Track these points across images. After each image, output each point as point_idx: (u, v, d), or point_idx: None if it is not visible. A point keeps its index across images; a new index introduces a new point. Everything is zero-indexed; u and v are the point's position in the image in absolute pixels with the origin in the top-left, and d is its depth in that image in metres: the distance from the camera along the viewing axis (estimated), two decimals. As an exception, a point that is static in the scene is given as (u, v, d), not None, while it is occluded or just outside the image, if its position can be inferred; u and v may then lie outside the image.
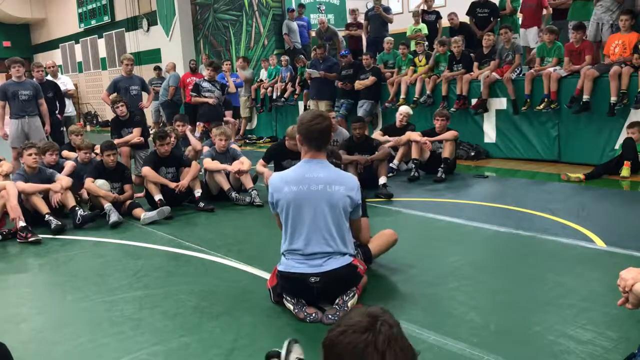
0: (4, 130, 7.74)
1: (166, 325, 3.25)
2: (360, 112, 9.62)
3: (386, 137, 7.67)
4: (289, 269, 3.28)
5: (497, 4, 9.69)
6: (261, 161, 6.39)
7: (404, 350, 1.35)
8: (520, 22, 9.48)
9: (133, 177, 6.78)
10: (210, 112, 8.90)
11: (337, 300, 3.28)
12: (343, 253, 3.31)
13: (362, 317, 1.38)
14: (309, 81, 10.77)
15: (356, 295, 3.34)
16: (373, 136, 7.74)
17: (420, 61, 9.66)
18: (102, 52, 20.18)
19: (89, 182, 5.98)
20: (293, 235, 3.29)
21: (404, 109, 7.95)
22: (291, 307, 3.29)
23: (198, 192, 6.26)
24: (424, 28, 10.58)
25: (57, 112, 8.53)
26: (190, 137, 7.72)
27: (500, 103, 8.44)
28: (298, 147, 3.49)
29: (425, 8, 10.93)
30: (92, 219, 5.75)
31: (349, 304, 3.26)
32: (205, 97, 8.89)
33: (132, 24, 18.29)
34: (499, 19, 9.56)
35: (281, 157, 6.30)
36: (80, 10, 20.60)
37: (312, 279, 3.22)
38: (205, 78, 9.11)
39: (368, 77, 9.76)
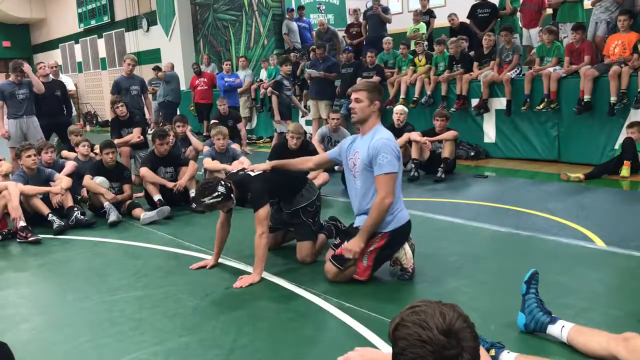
0: (5, 129, 7.73)
1: (166, 325, 3.25)
2: (361, 112, 9.57)
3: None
4: (407, 217, 3.77)
5: (497, 4, 9.69)
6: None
7: None
8: (520, 22, 9.46)
9: (133, 177, 6.76)
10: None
11: None
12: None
13: (445, 334, 1.38)
14: (308, 81, 10.77)
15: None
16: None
17: (420, 61, 9.66)
18: (102, 52, 20.18)
19: (87, 179, 5.98)
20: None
21: (399, 108, 7.95)
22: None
23: (192, 192, 6.24)
24: (422, 27, 10.58)
25: (64, 112, 8.50)
26: (190, 137, 7.73)
27: (500, 103, 8.43)
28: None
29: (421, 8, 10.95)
30: (86, 225, 5.66)
31: None
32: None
33: (131, 24, 18.29)
34: (498, 19, 9.55)
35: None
36: (80, 10, 20.60)
37: None
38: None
39: (372, 76, 9.67)
